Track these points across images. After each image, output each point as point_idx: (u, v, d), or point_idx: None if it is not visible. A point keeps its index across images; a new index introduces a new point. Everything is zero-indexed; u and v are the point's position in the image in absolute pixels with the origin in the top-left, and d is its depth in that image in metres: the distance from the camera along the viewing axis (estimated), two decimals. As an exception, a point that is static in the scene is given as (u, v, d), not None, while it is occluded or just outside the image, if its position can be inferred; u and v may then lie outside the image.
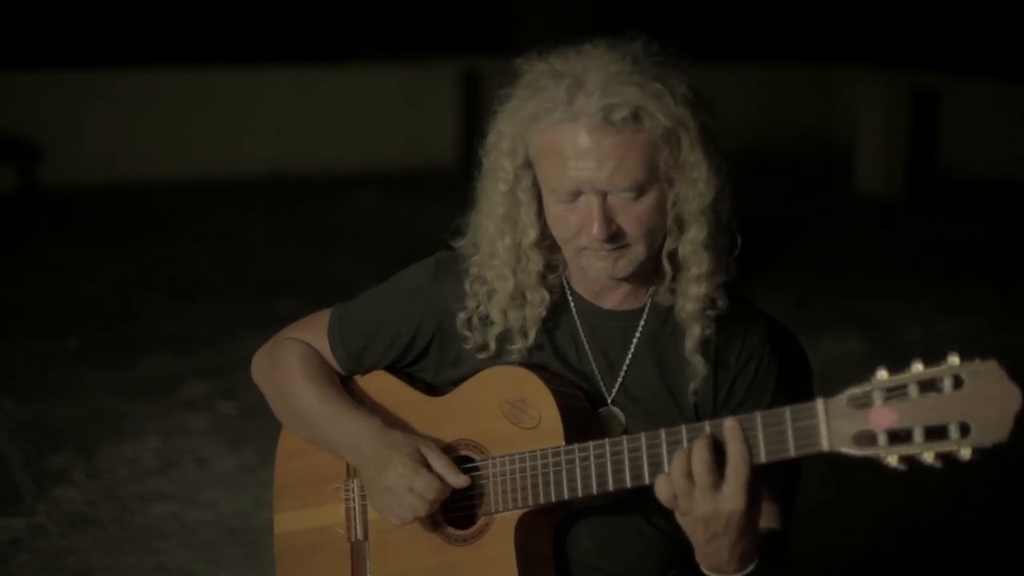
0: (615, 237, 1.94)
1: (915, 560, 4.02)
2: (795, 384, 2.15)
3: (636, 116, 1.89)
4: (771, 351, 2.09)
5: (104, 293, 7.11)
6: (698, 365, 2.03)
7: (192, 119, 10.95)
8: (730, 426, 1.80)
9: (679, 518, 1.86)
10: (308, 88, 11.44)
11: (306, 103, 11.38)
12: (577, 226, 1.95)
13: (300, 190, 10.56)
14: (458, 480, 2.02)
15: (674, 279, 2.02)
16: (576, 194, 1.93)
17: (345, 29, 13.01)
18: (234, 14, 12.40)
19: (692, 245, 1.97)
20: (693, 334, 2.02)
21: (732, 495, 1.79)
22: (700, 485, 1.79)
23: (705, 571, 1.91)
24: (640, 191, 1.92)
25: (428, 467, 2.03)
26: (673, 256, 2.00)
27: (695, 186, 1.94)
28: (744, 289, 2.11)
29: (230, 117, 11.10)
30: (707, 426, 1.83)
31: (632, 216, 1.93)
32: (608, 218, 1.92)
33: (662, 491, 1.83)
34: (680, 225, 1.97)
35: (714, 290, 2.00)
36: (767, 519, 2.02)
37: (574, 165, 1.91)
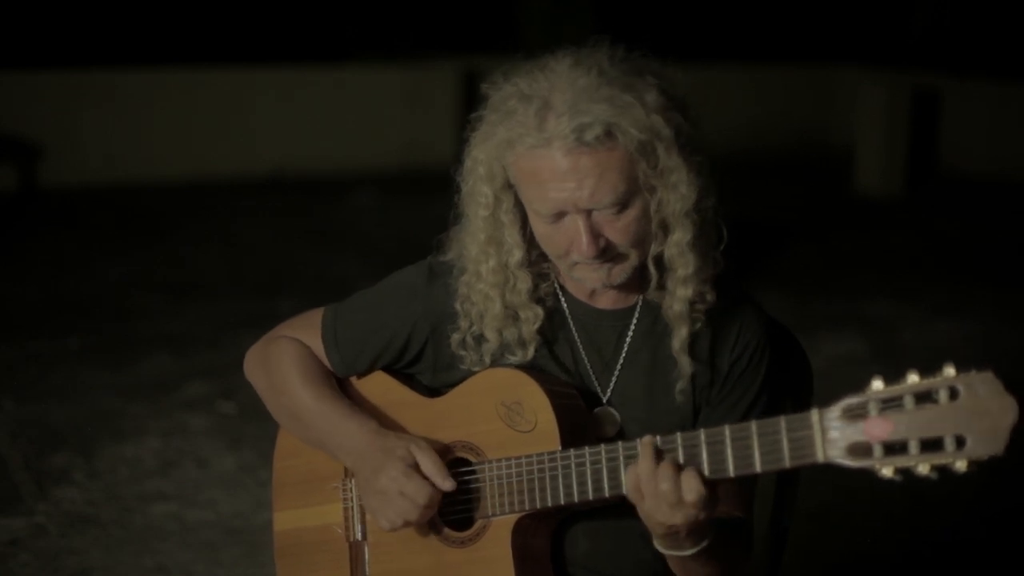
0: (605, 251, 1.93)
1: (911, 563, 4.02)
2: (789, 384, 2.15)
3: (609, 133, 1.87)
4: (763, 344, 2.09)
5: (104, 293, 7.11)
6: (684, 364, 2.03)
7: (192, 119, 10.96)
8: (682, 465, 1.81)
9: (640, 513, 1.87)
10: (308, 88, 11.45)
11: (306, 103, 11.38)
12: (565, 245, 1.95)
13: (300, 190, 10.57)
14: (446, 484, 2.01)
15: (661, 279, 2.02)
16: (560, 215, 1.93)
17: (346, 29, 13.01)
18: (234, 14, 12.40)
19: (677, 247, 1.97)
20: (680, 334, 2.02)
21: (692, 508, 1.80)
22: (668, 501, 1.80)
23: (660, 549, 1.92)
24: (623, 205, 1.91)
25: (421, 471, 2.03)
26: (659, 259, 1.99)
27: (676, 190, 1.93)
28: (740, 283, 2.10)
29: (230, 117, 11.11)
30: (702, 435, 1.83)
31: (618, 229, 1.93)
32: (595, 235, 1.92)
33: (631, 496, 1.85)
34: (665, 229, 1.97)
35: (701, 286, 2.00)
36: (732, 507, 2.03)
37: (553, 187, 1.90)
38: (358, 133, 11.54)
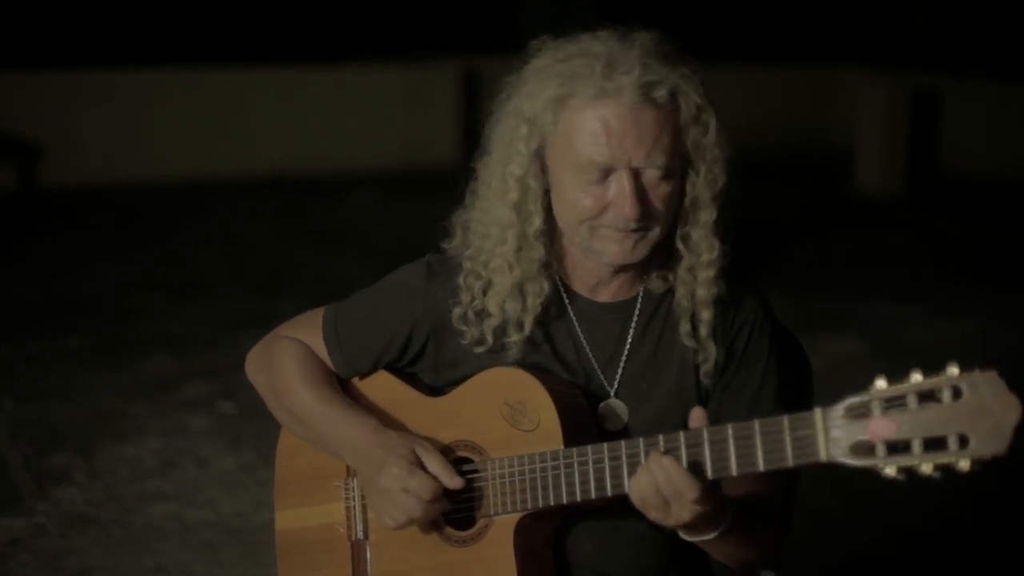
0: (643, 216, 1.94)
1: (910, 563, 4.02)
2: (791, 368, 2.14)
3: (673, 94, 1.92)
4: (763, 316, 2.10)
5: (104, 293, 7.11)
6: (711, 349, 2.04)
7: (192, 119, 10.96)
8: (665, 460, 1.82)
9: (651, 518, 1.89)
10: (308, 88, 11.45)
11: (306, 103, 11.38)
12: (597, 208, 1.95)
13: (300, 190, 10.57)
14: (453, 481, 2.01)
15: (674, 266, 2.03)
16: (607, 172, 1.93)
17: (346, 29, 13.01)
18: (235, 14, 12.40)
19: (704, 229, 1.99)
20: (704, 319, 2.03)
21: (690, 505, 1.81)
22: (668, 497, 1.81)
23: (685, 538, 1.93)
24: (669, 171, 1.94)
25: (424, 468, 2.02)
26: (686, 239, 2.01)
27: (712, 170, 1.97)
28: (745, 273, 2.11)
29: (230, 117, 11.11)
30: (705, 433, 1.83)
31: (659, 196, 1.95)
32: (641, 195, 1.93)
33: (636, 501, 1.86)
34: (694, 208, 1.99)
35: (719, 275, 2.02)
36: (759, 487, 2.03)
37: (610, 142, 1.91)
38: (358, 133, 11.54)
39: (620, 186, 1.93)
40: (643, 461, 1.88)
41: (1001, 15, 12.75)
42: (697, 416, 1.85)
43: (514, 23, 13.34)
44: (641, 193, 1.93)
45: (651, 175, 1.93)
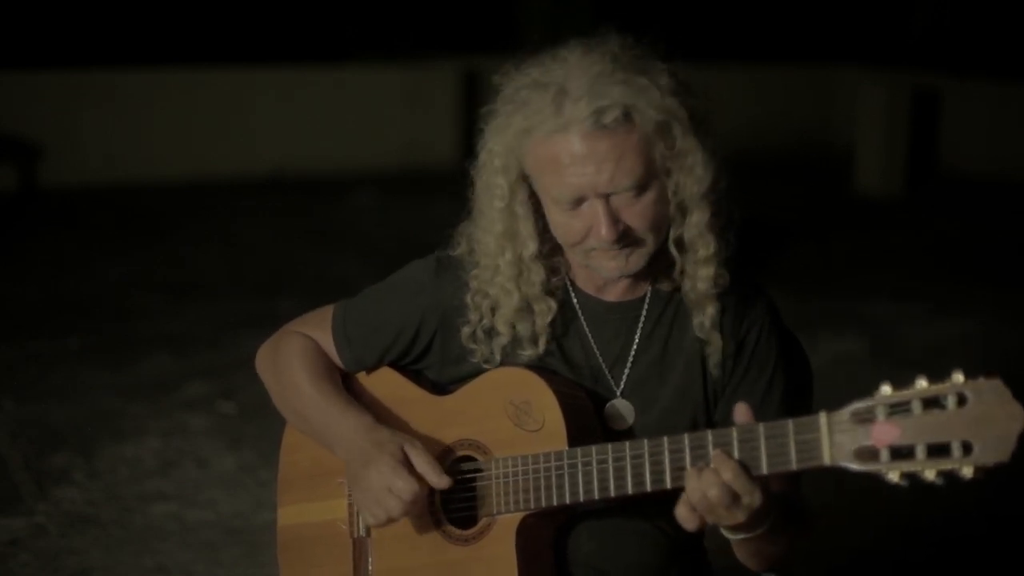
0: (623, 236, 1.94)
1: (914, 560, 4.02)
2: (796, 372, 2.15)
3: (627, 115, 1.90)
4: (772, 321, 2.11)
5: (104, 293, 7.11)
6: (716, 342, 2.05)
7: (192, 119, 10.95)
8: (716, 455, 1.80)
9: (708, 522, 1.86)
10: (308, 88, 11.44)
11: (306, 103, 11.38)
12: (582, 231, 1.96)
13: (300, 190, 10.57)
14: (439, 480, 2.02)
15: (680, 263, 2.03)
16: (579, 201, 1.94)
17: (346, 29, 13.01)
18: (235, 14, 12.39)
19: (697, 229, 1.99)
20: (708, 313, 2.04)
21: (749, 503, 1.80)
22: (721, 503, 1.80)
23: (728, 536, 1.92)
24: (641, 188, 1.93)
25: (411, 468, 2.03)
26: (679, 242, 2.01)
27: (693, 172, 1.96)
28: (748, 269, 2.11)
29: (230, 117, 11.10)
30: (709, 436, 1.83)
31: (637, 213, 1.94)
32: (615, 219, 1.93)
33: (687, 521, 1.83)
34: (683, 211, 1.99)
35: (719, 267, 2.02)
36: (785, 485, 2.02)
37: (572, 173, 1.91)
38: (358, 133, 11.54)
39: (593, 212, 1.94)
40: (647, 462, 1.87)
41: (1001, 15, 12.74)
42: (742, 411, 1.82)
43: (514, 23, 13.34)
44: (615, 215, 1.93)
45: (623, 196, 1.93)
